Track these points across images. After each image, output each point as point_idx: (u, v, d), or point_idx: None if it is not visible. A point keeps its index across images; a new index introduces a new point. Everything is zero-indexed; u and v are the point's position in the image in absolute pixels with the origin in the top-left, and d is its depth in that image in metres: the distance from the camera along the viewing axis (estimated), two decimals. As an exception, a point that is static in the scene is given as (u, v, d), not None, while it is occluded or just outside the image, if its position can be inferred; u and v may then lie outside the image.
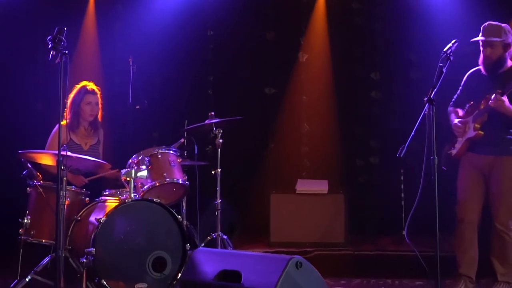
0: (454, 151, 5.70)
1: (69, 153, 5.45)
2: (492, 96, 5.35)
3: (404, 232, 7.32)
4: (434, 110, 4.74)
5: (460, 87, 5.84)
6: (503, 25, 5.57)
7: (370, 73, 8.23)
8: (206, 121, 6.34)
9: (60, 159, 4.97)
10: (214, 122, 6.31)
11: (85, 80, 6.62)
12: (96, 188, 6.12)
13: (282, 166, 8.30)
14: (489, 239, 5.62)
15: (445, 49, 4.99)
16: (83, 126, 6.47)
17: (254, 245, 7.22)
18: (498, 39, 5.49)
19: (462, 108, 5.76)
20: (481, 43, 5.58)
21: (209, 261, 4.23)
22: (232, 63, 8.39)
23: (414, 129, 4.84)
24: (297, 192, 7.25)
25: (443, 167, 5.62)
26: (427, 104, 4.76)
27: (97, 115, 6.51)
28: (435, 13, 7.89)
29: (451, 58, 4.97)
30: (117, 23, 8.31)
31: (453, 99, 5.88)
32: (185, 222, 6.44)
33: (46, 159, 5.75)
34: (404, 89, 7.94)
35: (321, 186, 7.26)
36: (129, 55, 7.43)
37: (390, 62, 8.14)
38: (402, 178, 7.58)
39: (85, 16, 8.26)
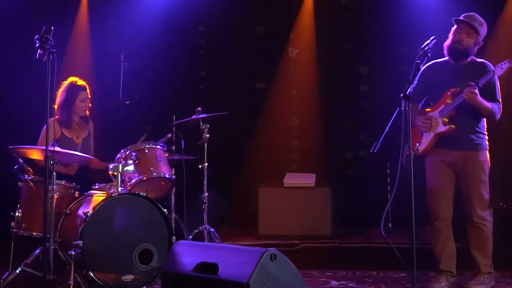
0: (420, 147, 5.61)
1: (57, 148, 5.63)
2: (466, 89, 5.28)
3: (389, 225, 7.56)
4: (410, 106, 4.85)
5: (416, 81, 5.29)
6: (484, 23, 5.55)
7: (359, 67, 8.37)
8: (193, 116, 6.47)
9: (48, 155, 5.10)
10: (201, 117, 6.42)
11: (77, 74, 6.75)
12: (86, 182, 6.27)
13: (272, 159, 8.47)
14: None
15: (422, 46, 5.08)
16: (75, 121, 6.61)
17: (243, 237, 7.39)
18: (477, 31, 5.47)
19: (418, 102, 5.69)
20: (456, 26, 5.53)
21: (189, 253, 4.37)
22: (223, 59, 8.57)
23: (389, 125, 4.97)
24: (284, 185, 7.42)
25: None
26: (403, 100, 4.86)
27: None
28: (423, 7, 8.01)
29: (429, 54, 5.07)
30: (109, 18, 8.48)
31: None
32: (173, 215, 6.61)
33: (36, 154, 5.87)
34: (392, 83, 8.00)
35: (308, 180, 7.41)
36: (121, 50, 7.56)
37: (378, 56, 8.27)
38: (388, 171, 7.73)
39: (79, 11, 8.41)
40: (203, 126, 6.42)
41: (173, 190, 6.60)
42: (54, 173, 5.52)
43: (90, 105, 6.63)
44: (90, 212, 5.38)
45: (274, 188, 7.47)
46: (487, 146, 5.58)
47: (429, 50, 5.09)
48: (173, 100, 8.33)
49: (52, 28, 5.07)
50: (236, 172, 8.36)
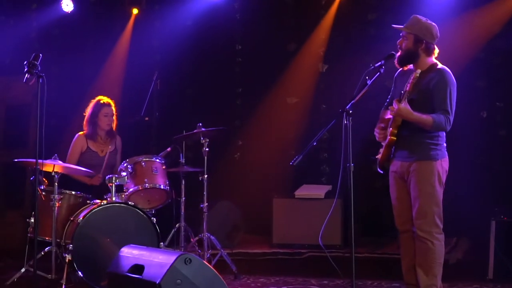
0: (379, 157, 5.51)
1: (59, 162, 6.29)
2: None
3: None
4: (350, 120, 5.03)
5: (392, 89, 5.64)
6: (428, 22, 5.32)
7: (384, 81, 8.45)
8: (195, 131, 6.88)
9: (37, 167, 5.70)
10: (202, 132, 6.82)
11: (110, 89, 7.44)
12: (101, 191, 6.85)
13: (301, 171, 8.61)
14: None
15: (376, 64, 5.24)
16: (100, 136, 7.24)
17: (256, 245, 7.72)
18: (408, 31, 5.31)
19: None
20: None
21: (129, 256, 4.84)
22: (257, 75, 8.91)
23: (315, 139, 5.16)
24: (296, 197, 7.67)
25: (379, 171, 5.55)
26: (344, 114, 5.02)
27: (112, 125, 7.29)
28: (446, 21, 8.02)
29: (381, 71, 5.22)
30: (151, 39, 9.14)
31: (386, 102, 5.69)
32: (182, 224, 7.04)
33: (48, 167, 6.48)
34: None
35: (319, 191, 7.61)
36: (158, 68, 8.17)
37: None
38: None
39: (124, 31, 9.16)
40: (203, 141, 6.83)
41: (183, 200, 7.04)
42: (56, 183, 6.22)
43: (114, 120, 7.25)
44: (80, 220, 5.97)
45: (286, 199, 7.71)
46: (439, 156, 5.27)
47: (382, 67, 5.24)
48: (213, 114, 8.72)
49: (40, 55, 5.64)
50: (260, 184, 8.58)
